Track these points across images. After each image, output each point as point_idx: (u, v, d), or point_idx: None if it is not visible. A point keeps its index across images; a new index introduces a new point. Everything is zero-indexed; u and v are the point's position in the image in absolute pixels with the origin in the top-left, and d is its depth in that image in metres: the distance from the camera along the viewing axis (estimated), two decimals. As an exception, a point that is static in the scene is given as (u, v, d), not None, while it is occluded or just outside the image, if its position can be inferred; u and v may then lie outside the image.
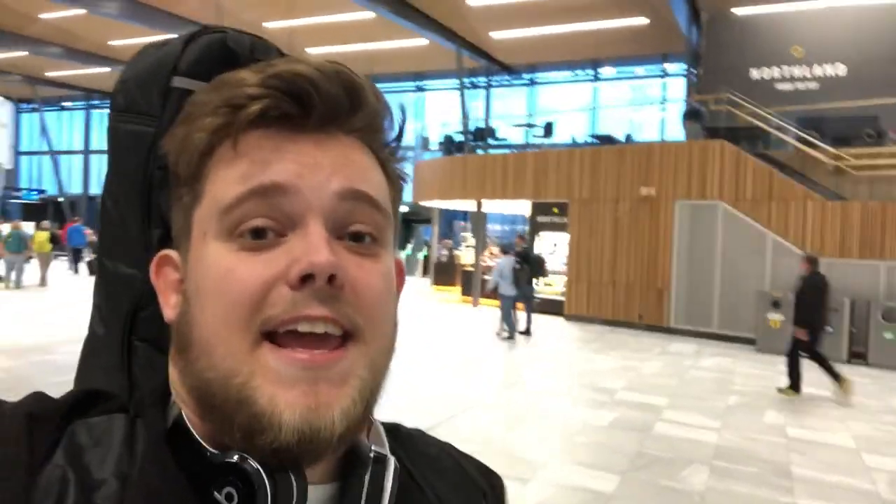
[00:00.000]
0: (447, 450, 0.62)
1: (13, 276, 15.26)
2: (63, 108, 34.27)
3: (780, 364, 9.81)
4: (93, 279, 0.63)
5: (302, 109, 0.45)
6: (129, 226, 0.58)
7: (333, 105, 0.46)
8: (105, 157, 0.63)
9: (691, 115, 14.47)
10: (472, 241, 16.72)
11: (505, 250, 12.08)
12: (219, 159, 0.46)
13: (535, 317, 11.87)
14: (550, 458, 5.22)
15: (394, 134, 0.51)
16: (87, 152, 33.72)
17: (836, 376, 7.61)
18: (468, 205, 16.98)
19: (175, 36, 0.61)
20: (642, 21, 17.39)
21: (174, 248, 0.50)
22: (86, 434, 0.45)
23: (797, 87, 15.14)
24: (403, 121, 0.52)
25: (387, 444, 0.53)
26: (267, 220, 0.44)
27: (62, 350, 8.15)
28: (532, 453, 5.31)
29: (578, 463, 5.17)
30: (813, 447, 5.86)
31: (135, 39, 20.77)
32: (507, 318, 10.98)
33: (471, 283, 16.09)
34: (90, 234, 22.57)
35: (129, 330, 0.57)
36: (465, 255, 18.82)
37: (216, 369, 0.43)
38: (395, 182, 0.52)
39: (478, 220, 16.55)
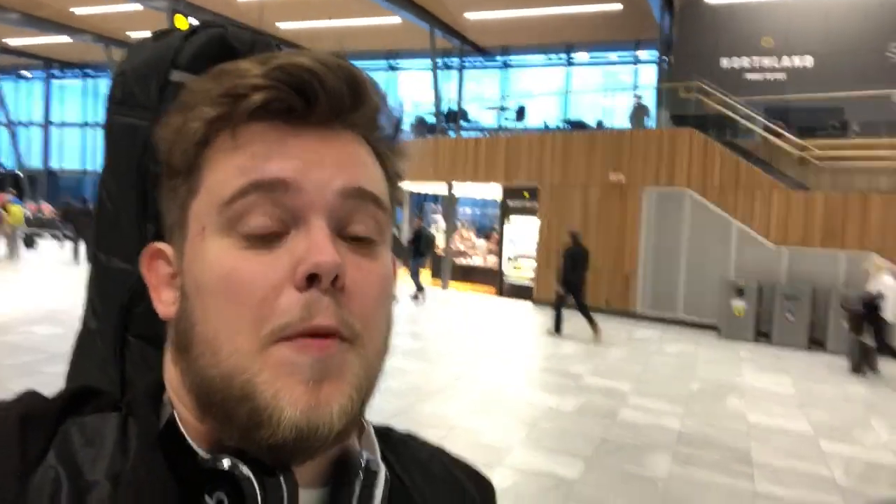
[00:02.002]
0: (438, 455, 0.61)
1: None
2: (21, 78, 33.12)
3: (743, 351, 10.05)
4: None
5: (305, 103, 0.44)
6: (124, 220, 0.58)
7: (337, 100, 0.45)
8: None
9: (640, 110, 14.97)
10: (442, 223, 16.68)
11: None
12: (217, 151, 0.45)
13: (505, 301, 11.97)
14: (515, 444, 5.24)
15: (392, 130, 0.50)
16: (47, 124, 32.69)
17: (593, 324, 9.97)
18: (439, 188, 16.92)
19: (173, 29, 0.61)
20: (616, 7, 17.41)
21: (167, 241, 0.49)
22: (78, 434, 0.45)
23: (766, 77, 15.32)
24: (401, 117, 0.51)
25: (378, 450, 0.52)
26: (268, 216, 0.43)
27: (21, 330, 7.93)
28: (497, 439, 5.32)
29: (543, 448, 5.20)
30: (773, 434, 5.98)
31: (99, 8, 20.15)
32: (415, 278, 12.99)
33: (440, 266, 16.08)
34: (35, 210, 22.10)
35: (123, 325, 0.58)
36: (436, 238, 18.79)
37: (220, 367, 0.43)
38: (392, 179, 0.51)
39: (448, 204, 16.50)
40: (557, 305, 10.25)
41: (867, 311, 8.65)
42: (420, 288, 12.90)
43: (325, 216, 0.44)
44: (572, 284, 10.13)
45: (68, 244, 18.82)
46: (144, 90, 0.57)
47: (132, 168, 0.57)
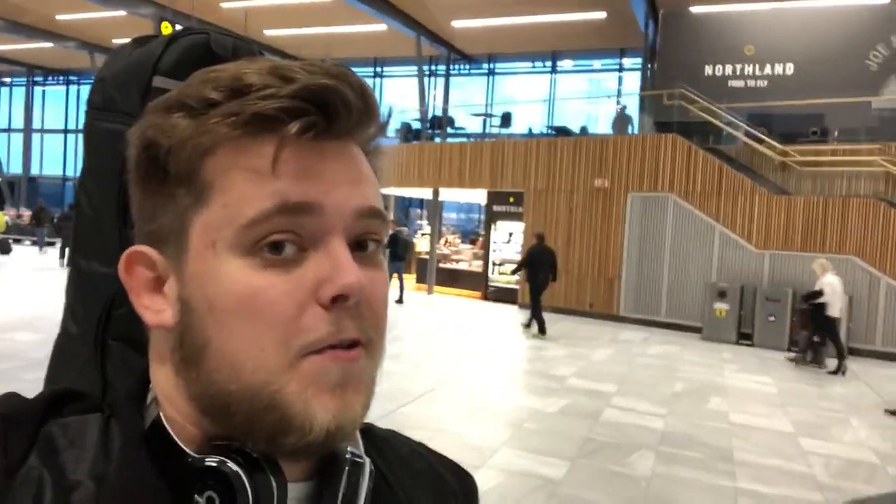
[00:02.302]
0: (420, 450, 0.62)
1: None
2: (2, 84, 32.81)
3: (726, 352, 10.15)
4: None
5: (327, 121, 0.44)
6: (105, 224, 0.57)
7: (356, 116, 0.45)
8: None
9: (623, 119, 15.43)
10: (427, 229, 16.69)
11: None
12: (228, 163, 0.43)
13: (490, 305, 12.03)
14: (501, 445, 5.26)
15: (377, 131, 0.50)
16: (28, 131, 32.38)
17: (541, 323, 10.47)
18: (425, 193, 16.94)
19: (155, 35, 0.61)
20: (601, 15, 17.55)
21: (152, 244, 0.47)
22: (60, 435, 0.44)
23: (748, 84, 15.50)
24: (388, 119, 0.51)
25: (361, 445, 0.53)
26: (291, 237, 0.43)
27: (1, 337, 7.84)
28: (482, 440, 5.34)
29: (528, 449, 5.23)
30: (754, 432, 6.05)
31: (84, 14, 20.02)
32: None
33: (426, 271, 16.09)
34: (15, 217, 21.94)
35: (104, 328, 0.57)
36: (421, 243, 18.80)
37: (242, 382, 0.43)
38: (379, 180, 0.52)
39: (434, 209, 16.53)
40: (535, 306, 10.68)
41: (811, 308, 9.18)
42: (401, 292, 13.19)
43: (343, 236, 0.45)
44: (537, 284, 10.55)
45: (49, 249, 18.64)
46: (125, 96, 0.57)
47: (114, 173, 0.56)
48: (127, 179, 0.50)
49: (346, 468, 0.48)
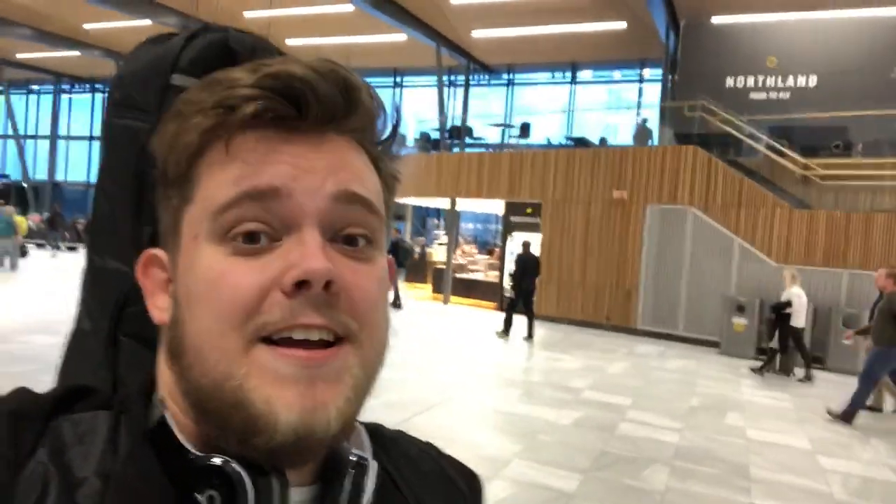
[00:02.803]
0: (428, 451, 0.62)
1: (6, 260, 15.21)
2: (31, 92, 33.49)
3: (743, 367, 10.03)
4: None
5: (297, 111, 0.44)
6: (120, 221, 0.57)
7: (329, 106, 0.45)
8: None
9: (644, 132, 15.67)
10: (444, 238, 16.73)
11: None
12: (210, 161, 0.45)
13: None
14: (513, 457, 5.24)
15: (387, 133, 0.50)
16: (54, 138, 32.99)
17: (508, 325, 11.00)
18: (442, 202, 16.98)
19: (175, 32, 0.61)
20: (621, 25, 17.53)
21: (161, 247, 0.49)
22: (69, 431, 0.44)
23: (770, 96, 15.39)
24: (398, 120, 0.51)
25: (368, 447, 0.52)
26: (261, 223, 0.43)
27: (18, 339, 7.96)
28: (495, 451, 5.32)
29: (541, 462, 5.20)
30: (771, 449, 5.97)
31: (110, 23, 20.43)
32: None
33: (442, 281, 16.10)
34: (38, 221, 22.33)
35: (116, 325, 0.57)
36: (437, 253, 18.82)
37: (210, 375, 0.43)
38: (388, 182, 0.51)
39: (451, 219, 16.56)
40: (509, 309, 11.23)
41: (778, 318, 9.36)
42: (397, 296, 13.49)
43: (316, 223, 0.44)
44: (522, 289, 11.10)
45: (59, 253, 18.91)
46: (144, 93, 0.57)
47: (129, 170, 0.57)
48: (144, 177, 0.52)
49: (351, 471, 0.47)
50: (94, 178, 0.61)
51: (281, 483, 0.43)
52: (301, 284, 0.42)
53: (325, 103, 0.44)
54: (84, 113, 32.00)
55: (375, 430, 0.58)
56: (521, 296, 11.14)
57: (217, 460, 0.43)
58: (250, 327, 0.42)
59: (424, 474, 0.58)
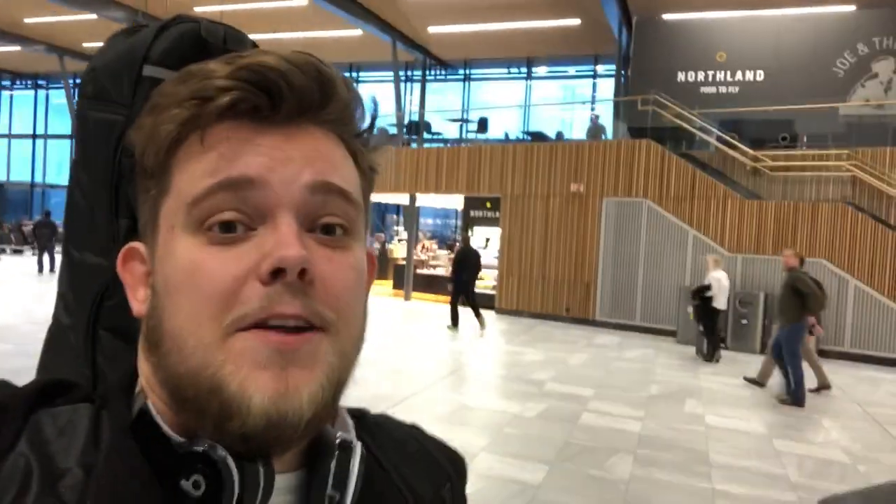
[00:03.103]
0: (413, 433, 0.63)
1: None
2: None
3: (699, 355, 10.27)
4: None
5: (272, 102, 0.44)
6: (97, 215, 0.57)
7: (304, 97, 0.45)
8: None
9: (596, 128, 15.84)
10: (404, 234, 16.68)
11: None
12: (186, 152, 0.45)
13: (468, 311, 12.03)
14: (480, 451, 5.26)
15: (365, 124, 0.51)
16: (-4, 136, 31.73)
17: (480, 318, 11.36)
18: (401, 198, 16.93)
19: (146, 24, 0.60)
20: (575, 22, 17.72)
21: (140, 239, 0.49)
22: (50, 423, 0.44)
23: (719, 90, 15.74)
24: (375, 111, 0.51)
25: (353, 430, 0.53)
26: (236, 213, 0.44)
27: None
28: (462, 446, 5.27)
29: (508, 454, 5.24)
30: (729, 434, 6.13)
31: (53, 17, 19.69)
32: None
33: (402, 277, 16.06)
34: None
35: (94, 319, 0.57)
36: (398, 249, 18.76)
37: (187, 363, 0.43)
38: (366, 173, 0.51)
39: (410, 214, 16.52)
40: (452, 303, 11.61)
41: (700, 302, 9.81)
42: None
43: (292, 212, 0.44)
44: (462, 282, 11.51)
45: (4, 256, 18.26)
46: (117, 85, 0.57)
47: (106, 163, 0.57)
48: (120, 170, 0.52)
49: (336, 453, 0.48)
50: (38, 178, 0.60)
51: (265, 465, 0.44)
52: (277, 273, 0.42)
53: (299, 94, 0.44)
54: (27, 110, 30.85)
55: (361, 415, 0.58)
56: (461, 288, 11.51)
57: (202, 445, 0.43)
58: (228, 318, 0.42)
59: (409, 455, 0.59)
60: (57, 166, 31.36)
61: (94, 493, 0.41)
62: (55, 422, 0.44)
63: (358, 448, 0.49)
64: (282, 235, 0.43)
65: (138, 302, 0.48)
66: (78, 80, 29.10)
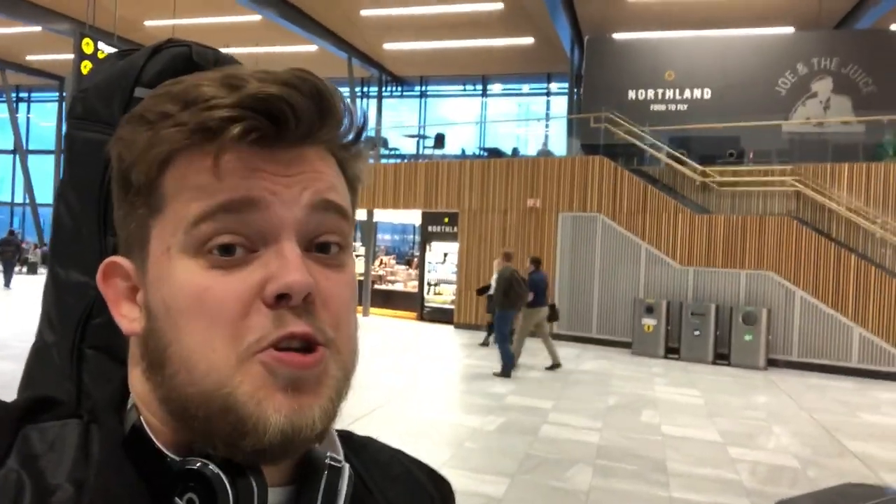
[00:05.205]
0: (398, 457, 0.64)
1: None
2: None
3: (655, 366, 10.46)
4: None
5: (277, 130, 0.44)
6: (83, 233, 0.58)
7: (307, 123, 0.45)
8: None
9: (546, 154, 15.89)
10: (361, 250, 16.61)
11: None
12: (182, 173, 0.45)
13: (426, 326, 12.03)
14: (441, 466, 5.24)
15: (352, 135, 0.50)
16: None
17: None
18: (358, 213, 16.85)
19: (137, 47, 0.62)
20: (529, 41, 18.06)
21: (124, 254, 0.49)
22: (38, 439, 0.44)
23: (669, 108, 16.21)
24: (364, 123, 0.51)
25: (341, 450, 0.53)
26: (236, 236, 0.44)
27: None
28: (424, 461, 5.30)
29: (469, 468, 5.23)
30: (685, 443, 6.25)
31: (-6, 29, 19.13)
32: None
33: (360, 293, 15.95)
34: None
35: (80, 338, 0.57)
36: (355, 265, 18.65)
37: (198, 384, 0.43)
38: (353, 184, 0.52)
39: (368, 229, 16.46)
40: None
41: (488, 299, 10.82)
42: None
43: (294, 234, 0.44)
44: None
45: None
46: (108, 106, 0.58)
47: (94, 182, 0.57)
48: (108, 189, 0.52)
49: (325, 472, 0.48)
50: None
51: (259, 483, 0.44)
52: (281, 297, 0.43)
53: (303, 120, 0.45)
54: (-34, 125, 29.72)
55: (348, 436, 0.59)
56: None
57: (196, 463, 0.43)
58: (244, 343, 0.43)
59: (394, 478, 0.60)
60: (-1, 182, 30.26)
61: None
62: (44, 437, 0.44)
63: (346, 469, 0.50)
64: (287, 262, 0.43)
65: (126, 319, 0.48)
66: (20, 94, 28.29)
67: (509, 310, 9.18)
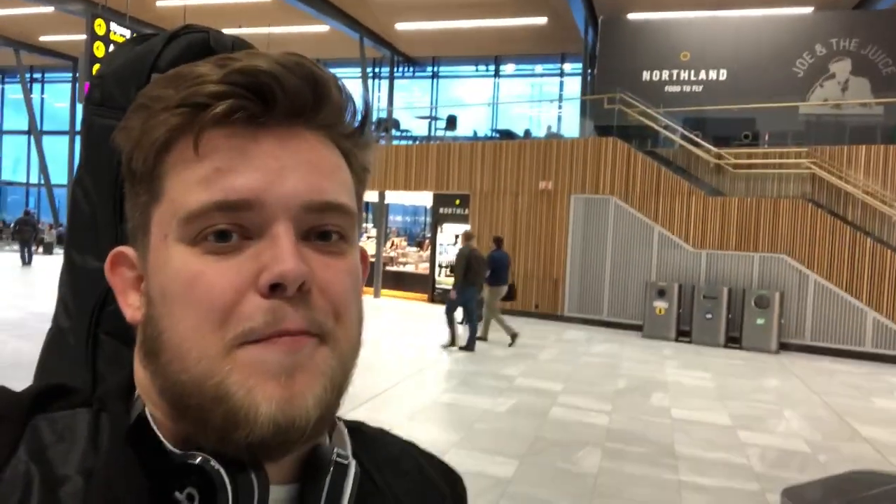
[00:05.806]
0: (409, 450, 0.62)
1: None
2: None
3: (666, 349, 10.45)
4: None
5: (265, 106, 0.43)
6: (100, 219, 0.58)
7: (297, 100, 0.44)
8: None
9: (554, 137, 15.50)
10: (373, 231, 16.63)
11: None
12: (177, 158, 0.44)
13: (438, 308, 12.05)
14: (451, 447, 5.28)
15: (357, 123, 0.50)
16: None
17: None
18: (370, 195, 16.87)
19: (155, 32, 0.62)
20: (542, 21, 17.86)
21: (130, 243, 0.49)
22: (48, 429, 0.44)
23: (683, 89, 16.01)
24: (367, 111, 0.51)
25: (349, 446, 0.53)
26: (232, 228, 0.43)
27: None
28: (433, 443, 5.34)
29: (479, 450, 5.27)
30: (695, 426, 6.25)
31: (8, 10, 19.17)
32: None
33: (372, 275, 16.01)
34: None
35: (96, 323, 0.58)
36: (367, 246, 18.70)
37: (190, 372, 0.43)
38: (359, 175, 0.51)
39: (379, 211, 16.48)
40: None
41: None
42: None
43: (290, 223, 0.44)
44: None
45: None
46: (124, 92, 0.57)
47: (110, 169, 0.57)
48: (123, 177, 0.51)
49: (331, 470, 0.47)
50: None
51: (260, 480, 0.43)
52: (276, 287, 0.42)
53: (292, 96, 0.44)
54: (-18, 105, 29.94)
55: (357, 428, 0.58)
56: None
57: (197, 458, 0.42)
58: (232, 334, 0.42)
59: (404, 473, 0.58)
60: (14, 162, 30.52)
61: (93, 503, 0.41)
62: (53, 427, 0.44)
63: (352, 467, 0.49)
64: (280, 248, 0.42)
65: (131, 308, 0.48)
66: (34, 75, 28.39)
67: (468, 287, 9.47)
